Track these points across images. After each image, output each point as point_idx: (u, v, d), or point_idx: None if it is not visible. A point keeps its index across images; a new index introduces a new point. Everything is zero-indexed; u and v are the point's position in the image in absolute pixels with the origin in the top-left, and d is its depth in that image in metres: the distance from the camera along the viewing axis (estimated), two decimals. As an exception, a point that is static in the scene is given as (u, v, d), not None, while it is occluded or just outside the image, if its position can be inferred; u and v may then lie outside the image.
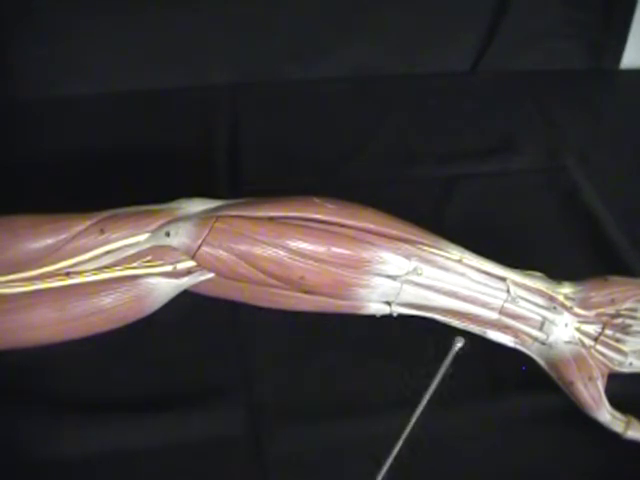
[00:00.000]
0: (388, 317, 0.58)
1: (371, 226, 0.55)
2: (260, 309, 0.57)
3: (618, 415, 0.55)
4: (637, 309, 0.58)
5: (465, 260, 0.56)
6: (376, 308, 0.57)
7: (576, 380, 0.55)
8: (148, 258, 0.53)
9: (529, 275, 0.58)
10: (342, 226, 0.54)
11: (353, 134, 0.87)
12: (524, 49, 0.98)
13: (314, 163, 0.82)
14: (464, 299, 0.56)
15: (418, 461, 0.55)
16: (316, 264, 0.53)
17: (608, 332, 0.57)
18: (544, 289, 0.57)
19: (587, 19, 0.97)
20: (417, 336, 0.60)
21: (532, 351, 0.58)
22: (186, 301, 0.56)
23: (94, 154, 0.81)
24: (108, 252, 0.52)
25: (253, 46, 0.92)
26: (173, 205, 0.54)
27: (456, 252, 0.56)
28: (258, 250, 0.52)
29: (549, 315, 0.56)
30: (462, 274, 0.56)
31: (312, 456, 0.54)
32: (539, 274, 0.59)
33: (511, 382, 0.60)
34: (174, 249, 0.53)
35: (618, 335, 0.58)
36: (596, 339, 0.57)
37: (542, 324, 0.56)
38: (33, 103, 0.87)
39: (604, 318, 0.58)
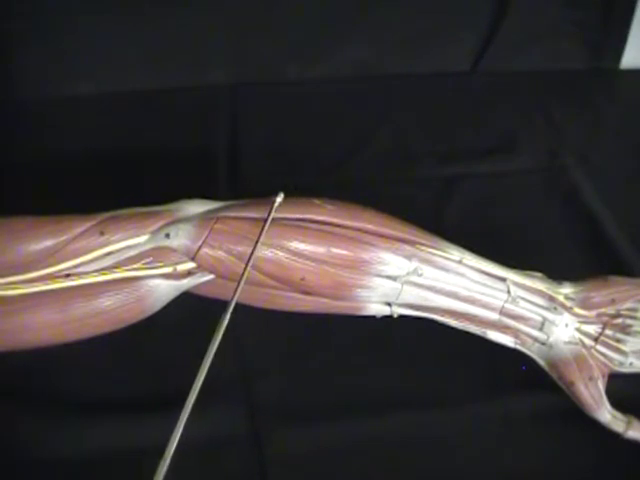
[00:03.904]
0: (388, 318, 0.58)
1: (371, 227, 0.55)
2: (260, 309, 0.57)
3: (618, 415, 0.55)
4: (637, 309, 0.58)
5: (465, 261, 0.56)
6: (376, 309, 0.57)
7: (576, 380, 0.56)
8: (149, 259, 0.53)
9: (529, 275, 0.58)
10: (342, 227, 0.54)
11: (353, 134, 0.87)
12: (524, 49, 0.98)
13: (314, 163, 0.82)
14: (464, 300, 0.56)
15: (418, 461, 0.55)
16: (316, 265, 0.53)
17: (608, 332, 0.58)
18: (544, 289, 0.57)
19: (587, 19, 0.97)
20: (417, 336, 0.60)
21: (532, 351, 0.58)
22: (186, 302, 0.56)
23: (94, 154, 0.81)
24: (108, 254, 0.52)
25: (253, 46, 0.92)
26: (173, 206, 0.54)
27: (456, 253, 0.56)
28: (258, 251, 0.52)
29: (549, 315, 0.56)
30: (462, 275, 0.56)
31: (312, 456, 0.54)
32: (539, 274, 0.59)
33: (511, 382, 0.60)
34: (174, 250, 0.53)
35: (618, 335, 0.58)
36: (596, 339, 0.57)
37: (542, 324, 0.56)
38: (33, 103, 0.87)
39: (604, 318, 0.58)
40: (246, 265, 0.50)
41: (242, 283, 0.50)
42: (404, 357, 0.62)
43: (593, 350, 0.57)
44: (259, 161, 0.82)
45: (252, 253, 0.50)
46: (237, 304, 0.57)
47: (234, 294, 0.49)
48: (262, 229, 0.51)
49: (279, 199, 0.53)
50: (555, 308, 0.57)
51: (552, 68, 1.00)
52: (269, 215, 0.52)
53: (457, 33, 0.97)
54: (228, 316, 0.47)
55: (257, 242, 0.51)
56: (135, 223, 0.52)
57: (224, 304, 0.57)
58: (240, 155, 0.83)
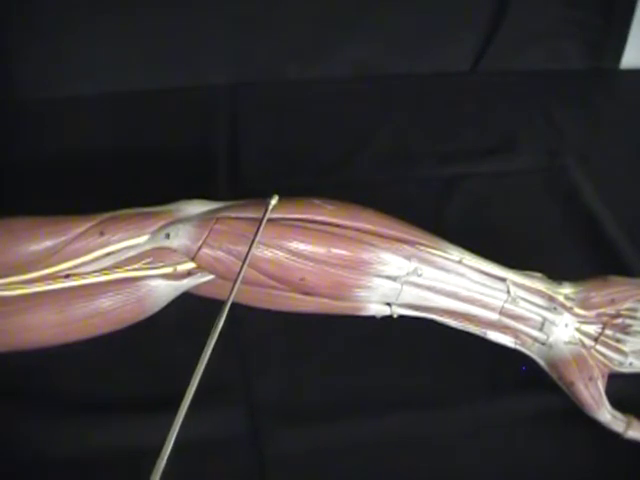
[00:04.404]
0: (388, 318, 0.58)
1: (371, 227, 0.55)
2: (260, 310, 0.57)
3: (618, 415, 0.55)
4: (637, 309, 0.58)
5: (465, 261, 0.56)
6: (376, 309, 0.57)
7: (576, 380, 0.55)
8: (148, 260, 0.53)
9: (529, 275, 0.58)
10: (341, 227, 0.54)
11: (353, 134, 0.87)
12: (524, 49, 0.98)
13: (314, 163, 0.82)
14: (464, 300, 0.56)
15: (418, 461, 0.55)
16: (316, 265, 0.53)
17: (608, 332, 0.57)
18: (544, 289, 0.57)
19: (587, 19, 0.97)
20: (417, 336, 0.60)
21: (532, 351, 0.57)
22: (186, 302, 0.56)
23: (94, 154, 0.81)
24: (108, 254, 0.52)
25: (253, 46, 0.92)
26: (173, 207, 0.54)
27: (456, 253, 0.56)
28: (257, 251, 0.52)
29: (549, 315, 0.56)
30: (462, 275, 0.56)
31: (312, 456, 0.54)
32: (539, 274, 0.59)
33: (511, 382, 0.60)
34: (174, 251, 0.53)
35: (618, 335, 0.58)
36: (596, 339, 0.57)
37: (542, 324, 0.56)
38: (33, 103, 0.87)
39: (604, 318, 0.58)
40: (242, 266, 0.50)
41: (238, 283, 0.50)
42: (404, 357, 0.62)
43: (593, 350, 0.57)
44: (259, 161, 0.82)
45: (247, 256, 0.50)
46: (237, 305, 0.57)
47: (230, 294, 0.49)
48: (256, 232, 0.51)
49: (273, 202, 0.53)
50: (555, 308, 0.57)
51: (552, 68, 1.00)
52: (263, 217, 0.52)
53: (457, 33, 0.97)
54: (224, 316, 0.47)
55: (251, 245, 0.51)
56: (135, 223, 0.52)
57: (223, 304, 0.57)
58: (240, 155, 0.83)
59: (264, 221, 0.52)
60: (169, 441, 0.41)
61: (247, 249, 0.52)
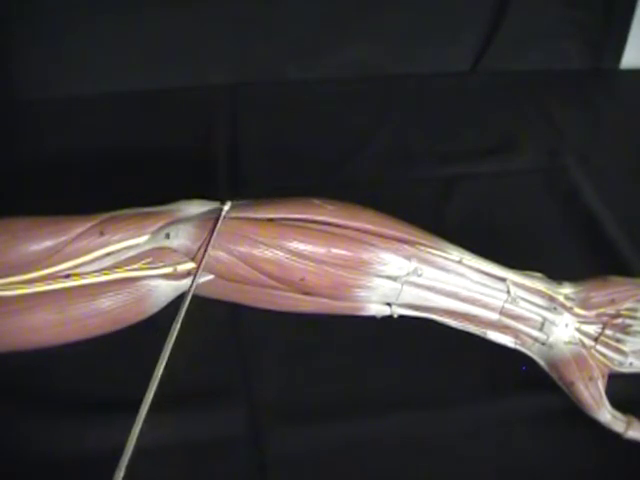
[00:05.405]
0: (388, 318, 0.58)
1: (371, 227, 0.55)
2: (260, 310, 0.57)
3: (619, 415, 0.55)
4: (637, 309, 0.58)
5: (465, 261, 0.56)
6: (377, 309, 0.57)
7: (576, 380, 0.56)
8: (148, 260, 0.53)
9: (529, 275, 0.58)
10: (342, 227, 0.54)
11: (353, 134, 0.87)
12: (524, 49, 0.99)
13: (314, 163, 0.82)
14: (464, 300, 0.56)
15: (418, 461, 0.55)
16: (316, 265, 0.53)
17: (608, 332, 0.57)
18: (544, 289, 0.57)
19: (587, 19, 0.97)
20: (417, 336, 0.60)
21: (532, 352, 0.58)
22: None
23: (94, 154, 0.81)
24: (108, 254, 0.52)
25: (253, 46, 0.92)
26: (173, 207, 0.54)
27: (456, 253, 0.56)
28: (258, 251, 0.52)
29: (549, 315, 0.56)
30: (462, 275, 0.56)
31: (312, 456, 0.54)
32: (539, 274, 0.59)
33: (511, 382, 0.60)
34: (174, 251, 0.53)
35: (618, 335, 0.58)
36: (596, 339, 0.57)
37: (542, 324, 0.56)
38: (33, 103, 0.88)
39: (604, 318, 0.58)
40: (203, 254, 0.51)
41: (199, 273, 0.50)
42: (404, 357, 0.62)
43: (593, 350, 0.57)
44: (259, 161, 0.82)
45: (205, 251, 0.51)
46: (238, 305, 0.57)
47: (190, 288, 0.49)
48: (210, 234, 0.51)
49: (226, 207, 0.53)
50: (555, 308, 0.57)
51: (552, 68, 1.00)
52: (216, 224, 0.52)
53: (457, 33, 0.97)
54: (186, 306, 0.48)
55: (207, 244, 0.51)
56: (135, 223, 0.52)
57: (224, 305, 0.57)
58: (240, 155, 0.83)
59: (218, 227, 0.52)
60: (130, 442, 0.42)
61: (248, 249, 0.52)
